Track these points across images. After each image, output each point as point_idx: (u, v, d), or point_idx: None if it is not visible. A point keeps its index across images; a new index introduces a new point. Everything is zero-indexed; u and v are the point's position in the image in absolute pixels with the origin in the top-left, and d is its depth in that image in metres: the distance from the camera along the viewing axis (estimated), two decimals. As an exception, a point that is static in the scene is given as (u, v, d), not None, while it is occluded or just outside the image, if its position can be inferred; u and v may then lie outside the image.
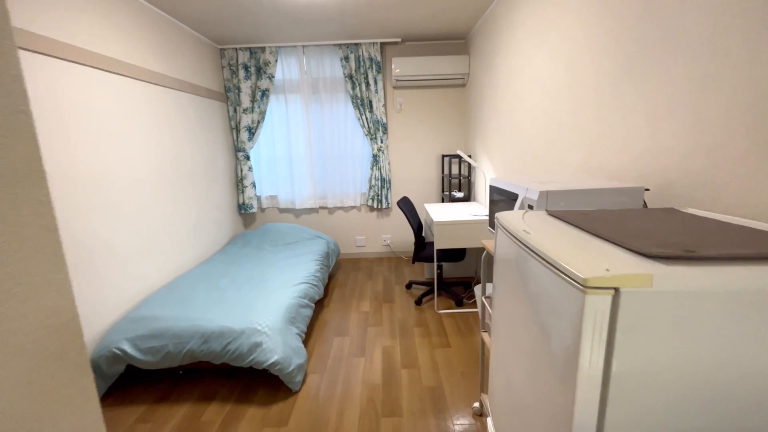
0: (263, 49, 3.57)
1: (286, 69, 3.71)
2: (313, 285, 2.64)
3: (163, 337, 1.93)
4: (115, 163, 2.18)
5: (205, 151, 3.29)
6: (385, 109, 3.75)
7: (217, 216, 3.44)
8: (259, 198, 4.05)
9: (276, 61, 3.60)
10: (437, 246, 2.68)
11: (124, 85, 2.31)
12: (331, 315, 2.81)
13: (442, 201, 3.98)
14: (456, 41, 3.67)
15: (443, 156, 3.85)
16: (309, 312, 2.40)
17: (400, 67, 3.51)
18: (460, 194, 3.48)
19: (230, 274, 2.68)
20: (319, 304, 2.98)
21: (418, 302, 2.93)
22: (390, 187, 3.90)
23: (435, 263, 2.76)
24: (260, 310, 2.11)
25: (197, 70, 3.21)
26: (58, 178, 1.81)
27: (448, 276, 3.48)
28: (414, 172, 3.97)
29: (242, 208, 3.86)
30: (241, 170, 3.79)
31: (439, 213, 2.91)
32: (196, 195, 3.11)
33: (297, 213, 4.10)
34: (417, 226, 2.95)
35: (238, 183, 3.85)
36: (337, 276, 3.64)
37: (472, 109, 3.49)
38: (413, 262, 2.94)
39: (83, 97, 1.98)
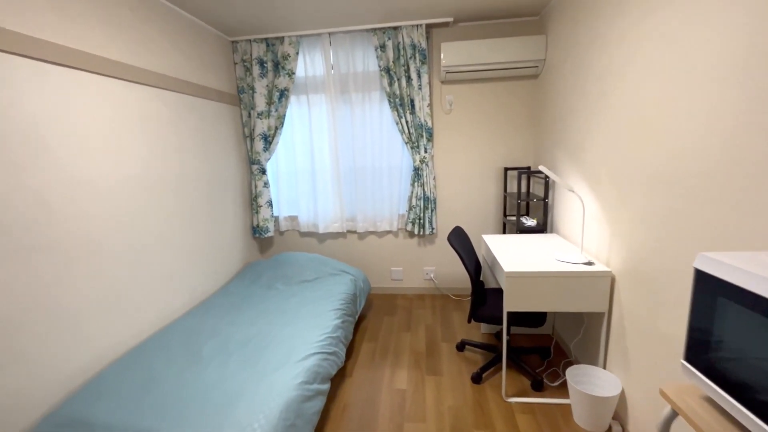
0: (281, 39, 2.91)
1: (309, 63, 3.03)
2: (329, 355, 1.88)
3: (91, 462, 1.26)
4: (78, 184, 1.57)
5: (212, 164, 2.68)
6: (431, 109, 2.95)
7: (223, 242, 2.82)
8: (276, 219, 3.40)
9: (297, 53, 2.93)
10: (509, 307, 1.83)
11: (108, 87, 1.71)
12: (354, 394, 2.04)
13: (504, 229, 3.09)
14: (527, 18, 2.79)
15: (506, 169, 2.97)
16: (318, 405, 1.65)
17: (451, 54, 2.69)
18: (530, 222, 2.59)
19: (222, 332, 2.00)
20: (340, 373, 2.23)
21: (477, 378, 2.08)
22: (435, 208, 3.08)
23: (504, 331, 1.90)
24: (243, 413, 1.38)
25: (204, 68, 2.61)
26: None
27: (515, 336, 2.59)
28: (466, 190, 3.12)
29: (257, 231, 3.22)
30: (256, 186, 3.16)
31: (506, 252, 2.05)
32: (197, 219, 2.49)
33: (321, 238, 3.39)
34: (475, 267, 2.11)
35: (252, 202, 3.21)
36: (367, 320, 2.88)
37: (550, 108, 2.60)
38: (469, 321, 2.10)
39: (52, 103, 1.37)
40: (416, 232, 3.10)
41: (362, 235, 3.33)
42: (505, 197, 3.03)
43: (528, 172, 2.49)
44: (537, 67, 2.69)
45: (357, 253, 3.36)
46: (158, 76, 2.15)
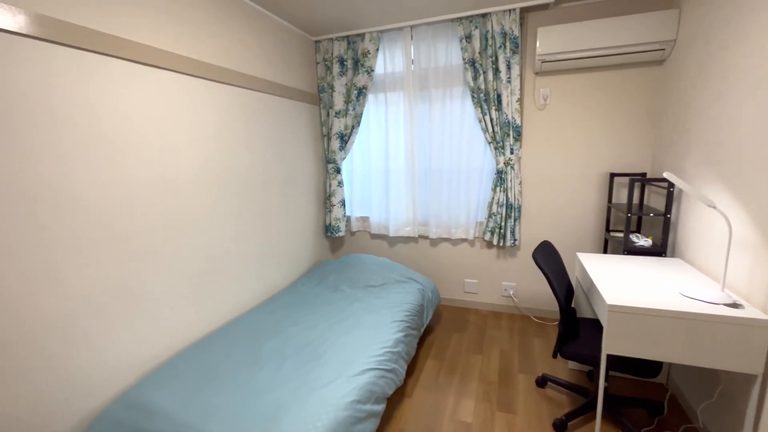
0: (362, 36, 2.84)
1: (388, 60, 2.92)
2: (386, 372, 1.72)
3: (147, 451, 1.28)
4: (145, 177, 1.67)
5: (289, 162, 2.73)
6: (520, 105, 2.60)
7: (295, 239, 2.85)
8: (348, 219, 3.36)
9: (377, 50, 2.84)
10: (610, 349, 1.45)
11: (195, 88, 1.82)
12: (412, 419, 1.85)
13: (605, 248, 2.58)
14: (651, -9, 2.27)
15: (612, 175, 2.48)
16: (370, 428, 1.49)
17: (549, 40, 2.32)
18: (644, 241, 2.09)
19: (283, 332, 1.97)
20: (399, 391, 2.05)
21: (561, 426, 1.72)
22: (519, 217, 2.72)
23: (602, 377, 1.53)
24: (288, 428, 1.29)
25: (288, 68, 2.67)
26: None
27: (615, 380, 2.13)
28: (559, 197, 2.69)
29: (329, 230, 3.22)
30: (330, 185, 3.15)
31: (608, 278, 1.65)
32: (274, 215, 2.55)
33: (391, 241, 3.26)
34: (566, 292, 1.75)
35: (326, 200, 3.22)
36: (434, 335, 2.65)
37: (680, 99, 2.07)
38: (555, 356, 1.75)
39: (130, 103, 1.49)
40: (496, 242, 2.77)
41: (435, 242, 3.10)
42: (609, 209, 2.53)
43: (643, 180, 2.01)
44: (663, 50, 2.16)
45: (428, 260, 3.15)
46: (244, 77, 2.22)
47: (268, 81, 2.46)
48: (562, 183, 2.66)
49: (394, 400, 1.97)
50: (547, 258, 1.82)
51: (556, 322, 2.79)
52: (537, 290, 2.87)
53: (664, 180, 1.97)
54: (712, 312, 1.32)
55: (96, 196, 1.48)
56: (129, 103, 1.59)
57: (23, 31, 1.24)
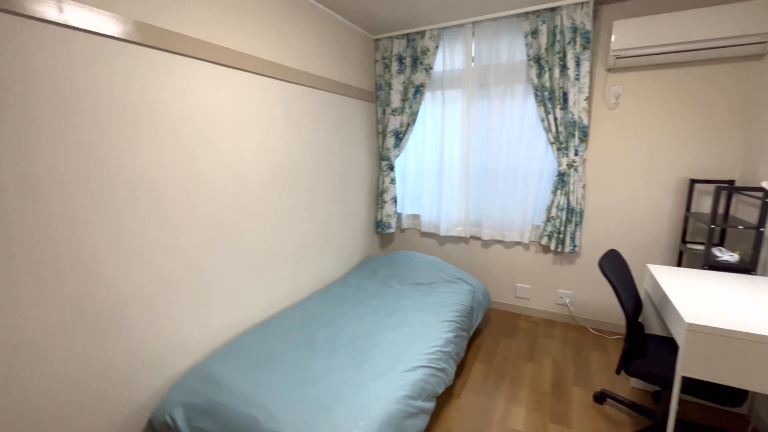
0: (422, 34, 2.84)
1: (447, 57, 2.88)
2: (437, 371, 1.72)
3: (216, 420, 1.40)
4: (217, 171, 1.81)
5: (345, 158, 2.81)
6: (588, 103, 2.45)
7: (348, 234, 2.94)
8: (399, 216, 3.39)
9: (437, 47, 2.82)
10: (687, 371, 1.34)
11: (263, 86, 1.94)
12: (460, 420, 1.83)
13: (679, 261, 2.37)
14: (752, -23, 2.03)
15: (693, 182, 2.26)
16: (421, 425, 1.50)
17: (626, 35, 2.16)
18: (729, 256, 1.89)
19: (335, 323, 2.05)
20: (447, 392, 2.04)
21: (621, 447, 1.62)
22: (580, 222, 2.57)
23: (674, 400, 1.41)
24: (341, 415, 1.35)
25: (348, 66, 2.74)
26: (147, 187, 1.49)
27: (686, 404, 1.96)
28: (628, 203, 2.50)
29: (379, 226, 3.27)
30: (383, 182, 3.19)
31: (685, 294, 1.51)
32: (327, 209, 2.65)
33: (441, 240, 3.24)
34: (633, 304, 1.64)
35: (378, 197, 3.27)
36: (482, 338, 2.60)
37: (781, 99, 1.83)
38: (618, 372, 1.65)
39: (191, 95, 1.64)
40: (553, 247, 2.65)
41: (486, 243, 3.03)
42: (686, 218, 2.32)
43: (732, 188, 1.81)
44: (765, 42, 1.93)
45: (478, 261, 3.08)
46: (308, 75, 2.32)
47: (330, 79, 2.54)
48: (633, 188, 2.47)
49: (443, 399, 1.97)
50: (614, 267, 1.71)
51: (618, 336, 2.61)
52: (596, 300, 2.71)
53: (759, 189, 1.76)
54: (817, 340, 1.16)
55: (180, 187, 1.63)
56: (209, 102, 1.73)
57: (127, 37, 1.39)
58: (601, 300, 2.69)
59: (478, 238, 3.06)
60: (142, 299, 1.52)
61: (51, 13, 1.19)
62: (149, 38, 1.45)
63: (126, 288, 1.46)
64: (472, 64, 2.79)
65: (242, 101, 1.91)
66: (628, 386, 2.08)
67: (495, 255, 3.01)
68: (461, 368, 2.25)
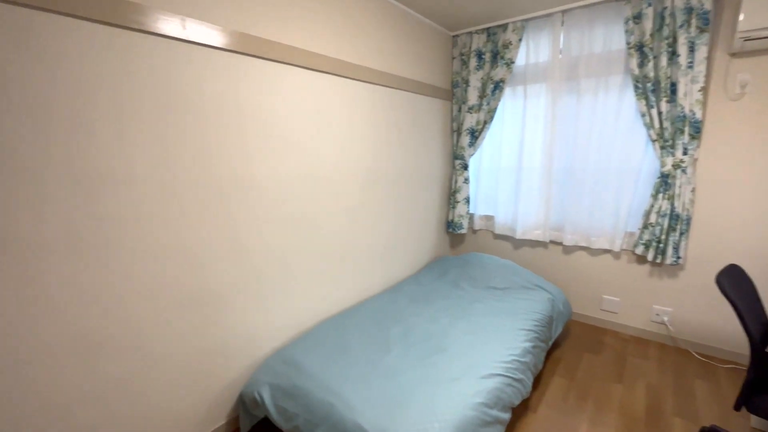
0: (504, 27, 2.71)
1: (532, 50, 2.72)
2: (514, 381, 1.64)
3: (297, 402, 1.49)
4: (300, 170, 1.93)
5: (418, 157, 2.81)
6: (703, 95, 2.12)
7: (418, 233, 2.93)
8: (471, 216, 3.29)
9: (519, 40, 2.67)
10: (840, 418, 1.09)
11: (339, 86, 2.03)
12: (538, 435, 1.72)
13: (823, 277, 1.95)
14: None
15: None
16: (496, 435, 1.45)
17: (759, 10, 1.82)
18: None
19: (406, 320, 2.05)
20: (523, 404, 1.93)
21: (738, 496, 1.38)
22: (686, 230, 2.25)
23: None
24: (416, 414, 1.35)
25: (423, 64, 2.73)
26: (239, 185, 1.64)
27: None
28: (753, 211, 2.13)
29: (451, 226, 3.21)
30: (456, 181, 3.13)
31: None
32: (399, 208, 2.68)
33: (516, 243, 3.07)
34: (763, 329, 1.38)
35: (450, 196, 3.21)
36: (561, 351, 2.42)
37: None
38: (738, 408, 1.41)
39: (274, 99, 1.76)
40: (650, 258, 2.35)
41: (569, 249, 2.81)
42: (835, 231, 1.89)
43: None
44: None
45: (559, 268, 2.87)
46: (385, 75, 2.35)
47: (407, 78, 2.55)
48: (760, 193, 2.09)
49: (518, 412, 1.87)
50: (737, 286, 1.46)
51: (731, 365, 2.24)
52: (704, 321, 2.35)
53: None
54: None
55: (269, 186, 1.77)
56: (295, 104, 1.85)
57: (228, 47, 1.53)
58: (709, 321, 2.33)
59: (559, 243, 2.84)
60: (235, 287, 1.68)
61: (176, 30, 1.36)
62: (246, 46, 1.59)
63: (224, 276, 1.63)
64: (560, 56, 2.59)
65: (324, 103, 2.00)
66: (748, 425, 1.77)
67: (578, 263, 2.77)
68: (538, 381, 2.11)
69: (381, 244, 2.55)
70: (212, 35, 1.47)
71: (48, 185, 1.13)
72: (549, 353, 2.40)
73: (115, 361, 1.33)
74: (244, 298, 1.71)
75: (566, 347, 2.47)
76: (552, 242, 2.88)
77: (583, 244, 2.69)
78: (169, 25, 1.34)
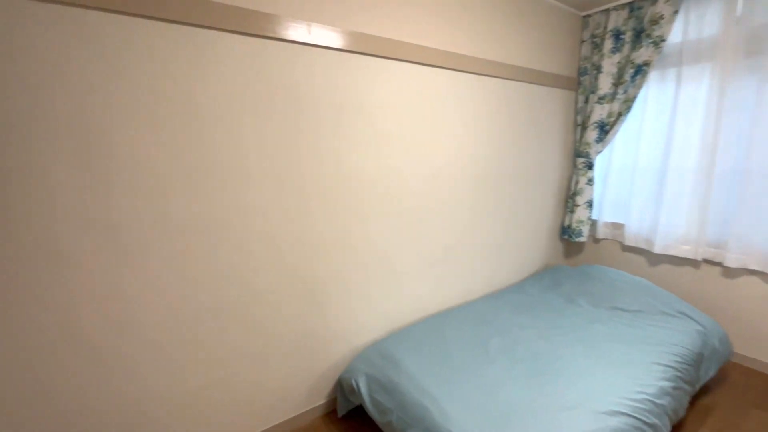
0: (654, -1, 2.26)
1: (692, 23, 2.21)
2: (645, 425, 1.35)
3: (392, 398, 1.49)
4: (409, 168, 1.92)
5: (530, 154, 2.55)
6: None
7: (525, 238, 2.67)
8: (594, 223, 2.86)
9: (675, 12, 2.19)
10: None
11: (452, 80, 1.98)
12: (676, 498, 1.39)
13: None
14: None
15: None
16: (618, 488, 1.21)
17: None
18: None
19: (510, 332, 1.88)
20: (654, 453, 1.59)
21: None
22: None
23: None
24: (520, 439, 1.21)
25: (542, 50, 2.45)
26: (345, 181, 1.72)
27: None
28: None
29: (566, 233, 2.85)
30: (577, 182, 2.75)
31: None
32: (508, 210, 2.48)
33: (653, 259, 2.56)
34: None
35: (569, 199, 2.84)
36: (714, 398, 1.92)
37: None
38: None
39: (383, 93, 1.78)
40: None
41: (732, 272, 2.21)
42: None
43: None
44: None
45: (715, 295, 2.29)
46: (500, 66, 2.18)
47: (524, 67, 2.33)
48: None
49: (647, 462, 1.54)
50: None
51: None
52: None
53: None
54: None
55: (374, 182, 1.80)
56: (405, 101, 1.84)
57: (345, 47, 1.59)
58: None
59: (718, 264, 2.26)
60: (339, 278, 1.77)
61: (302, 35, 1.47)
62: (363, 45, 1.63)
63: (331, 265, 1.72)
64: (736, 27, 2.04)
65: (433, 96, 1.95)
66: None
67: (747, 291, 2.16)
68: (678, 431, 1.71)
69: (486, 246, 2.39)
70: (333, 37, 1.55)
71: (209, 179, 1.35)
72: (695, 399, 1.93)
73: (241, 335, 1.53)
74: (345, 290, 1.79)
75: (722, 396, 1.96)
76: (706, 261, 2.31)
77: (755, 267, 2.09)
78: (297, 31, 1.46)
